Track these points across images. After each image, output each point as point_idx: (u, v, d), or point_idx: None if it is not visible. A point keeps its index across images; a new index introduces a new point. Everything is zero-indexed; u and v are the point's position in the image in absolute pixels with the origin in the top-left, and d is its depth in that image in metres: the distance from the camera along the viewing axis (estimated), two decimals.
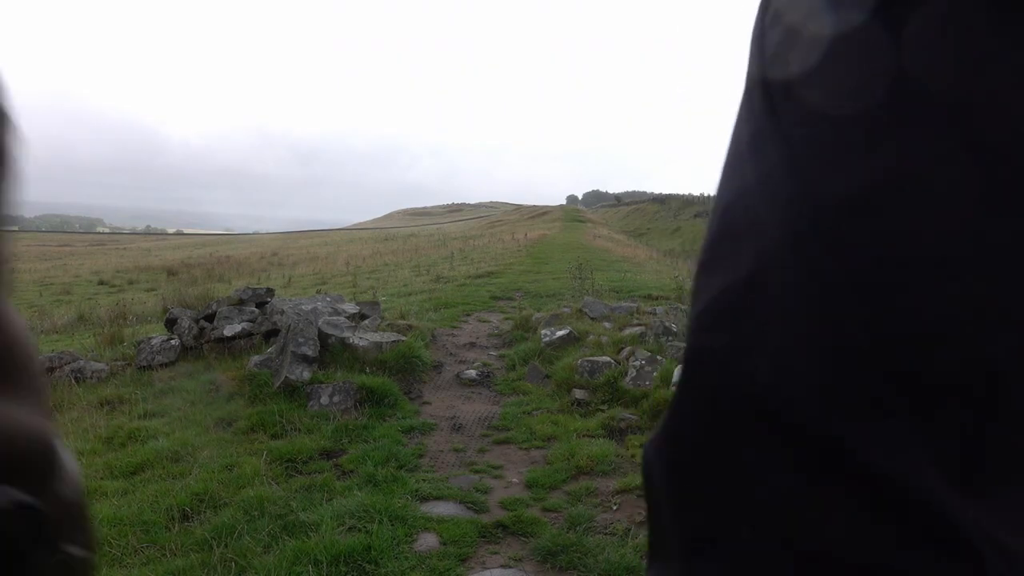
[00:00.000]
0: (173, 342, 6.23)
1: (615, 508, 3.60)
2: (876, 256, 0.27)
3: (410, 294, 11.30)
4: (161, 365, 6.03)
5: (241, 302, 6.83)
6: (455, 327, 8.12)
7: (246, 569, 2.88)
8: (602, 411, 5.08)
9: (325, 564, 2.84)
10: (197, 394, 5.33)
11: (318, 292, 11.77)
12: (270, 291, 7.06)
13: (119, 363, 6.20)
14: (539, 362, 6.26)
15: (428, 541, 3.20)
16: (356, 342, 5.88)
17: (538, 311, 8.38)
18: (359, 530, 3.17)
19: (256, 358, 5.64)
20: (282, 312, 6.52)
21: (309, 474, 3.94)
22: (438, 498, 3.70)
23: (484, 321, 8.58)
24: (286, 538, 3.12)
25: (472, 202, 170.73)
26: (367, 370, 5.55)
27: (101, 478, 3.97)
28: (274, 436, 4.50)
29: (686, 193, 73.19)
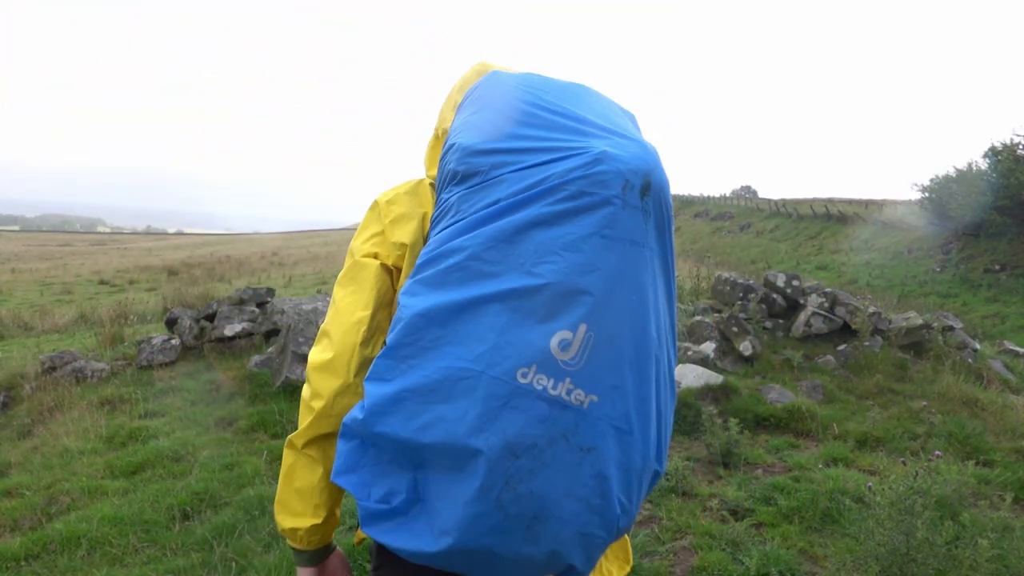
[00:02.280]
0: (174, 342, 6.23)
1: None
2: None
3: None
4: (162, 365, 6.04)
5: (241, 302, 6.83)
6: None
7: (247, 568, 2.89)
8: None
9: None
10: (198, 394, 5.33)
11: (318, 292, 11.77)
12: (270, 291, 7.06)
13: (120, 363, 6.20)
14: None
15: None
16: None
17: None
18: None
19: (256, 358, 5.64)
20: (282, 312, 6.52)
21: None
22: None
23: None
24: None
25: None
26: None
27: (102, 477, 3.97)
28: (275, 436, 4.51)
29: (686, 193, 73.11)
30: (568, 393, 0.87)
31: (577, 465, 0.86)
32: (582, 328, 0.87)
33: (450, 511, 0.86)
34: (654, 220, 0.94)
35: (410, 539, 0.88)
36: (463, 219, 0.95)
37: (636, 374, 0.91)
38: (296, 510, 1.02)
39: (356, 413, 0.92)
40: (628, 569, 1.14)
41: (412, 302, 0.93)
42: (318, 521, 1.03)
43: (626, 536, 1.13)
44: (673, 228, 0.98)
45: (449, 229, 0.96)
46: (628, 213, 0.90)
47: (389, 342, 0.94)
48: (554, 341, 0.86)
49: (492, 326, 0.88)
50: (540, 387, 0.86)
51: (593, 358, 0.87)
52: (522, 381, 0.85)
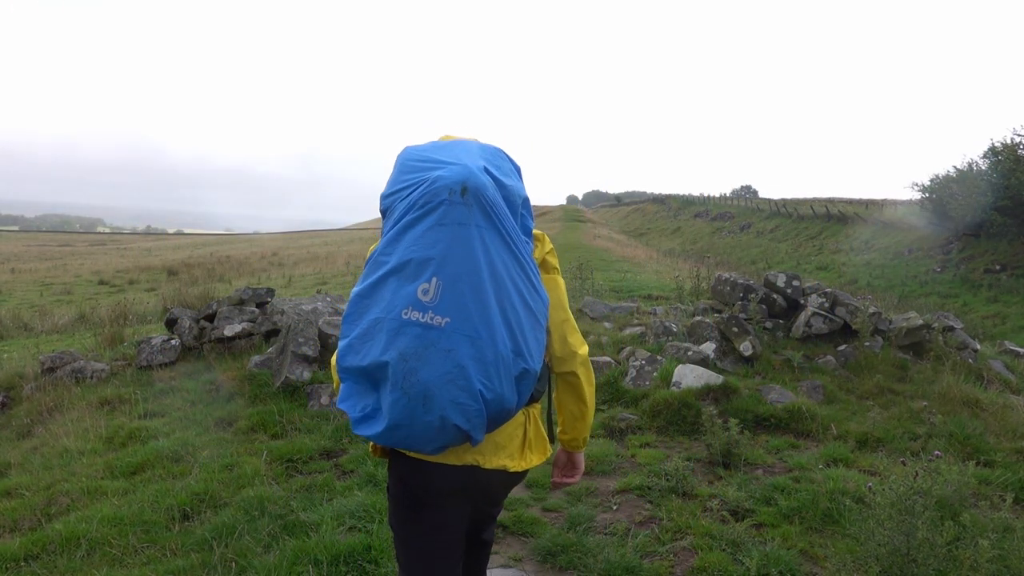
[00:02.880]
0: (173, 342, 6.23)
1: (615, 508, 3.60)
2: None
3: None
4: (161, 365, 6.03)
5: (241, 302, 6.82)
6: None
7: (246, 569, 2.88)
8: (602, 411, 5.08)
9: (325, 564, 2.84)
10: (197, 394, 5.33)
11: (318, 292, 11.77)
12: (270, 291, 7.05)
13: (119, 363, 6.20)
14: None
15: None
16: None
17: None
18: (359, 530, 3.17)
19: (256, 358, 5.63)
20: (282, 312, 6.51)
21: (309, 474, 3.94)
22: None
23: None
24: (286, 538, 3.12)
25: None
26: None
27: (101, 478, 3.97)
28: (274, 436, 4.50)
29: (686, 193, 73.05)
30: (431, 319, 1.49)
31: (443, 361, 1.48)
32: (434, 280, 1.50)
33: (384, 404, 1.51)
34: (477, 208, 1.55)
35: (372, 429, 1.54)
36: (385, 235, 1.61)
37: (476, 301, 1.51)
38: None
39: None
40: (546, 457, 1.82)
41: (354, 289, 1.61)
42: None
43: (546, 434, 1.84)
44: (503, 209, 1.59)
45: (383, 242, 1.62)
46: (454, 208, 1.53)
47: (344, 313, 1.59)
48: (419, 290, 1.50)
49: (389, 290, 1.54)
50: (415, 319, 1.49)
51: (444, 296, 1.50)
52: (405, 317, 1.49)
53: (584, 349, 1.80)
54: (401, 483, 1.70)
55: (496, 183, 1.61)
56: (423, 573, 1.72)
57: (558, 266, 1.83)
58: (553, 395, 1.89)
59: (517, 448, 1.75)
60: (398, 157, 1.74)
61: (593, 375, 1.84)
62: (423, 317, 1.49)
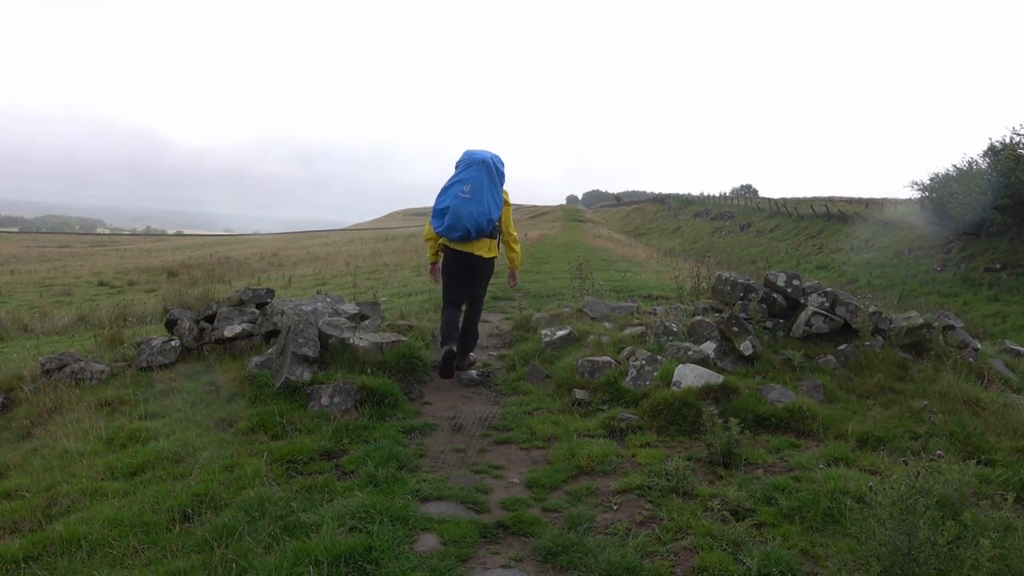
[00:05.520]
0: (173, 343, 6.23)
1: (616, 508, 3.59)
2: None
3: (410, 294, 11.28)
4: (161, 366, 6.03)
5: (241, 303, 6.82)
6: None
7: (247, 570, 2.88)
8: (602, 411, 5.07)
9: (326, 565, 2.84)
10: (197, 395, 5.32)
11: (318, 292, 11.75)
12: (270, 292, 7.04)
13: (119, 364, 6.20)
14: (539, 362, 6.25)
15: (429, 541, 3.19)
16: (356, 343, 5.87)
17: (538, 311, 8.38)
18: (360, 530, 3.17)
19: (256, 359, 5.63)
20: (282, 313, 6.51)
21: (310, 475, 3.94)
22: (439, 498, 3.70)
23: (484, 321, 8.54)
24: (287, 539, 3.12)
25: None
26: (368, 371, 5.54)
27: (102, 479, 3.96)
28: (275, 437, 4.49)
29: (686, 193, 73.08)
30: (467, 196, 5.80)
31: (468, 208, 5.79)
32: (468, 185, 5.81)
33: (445, 221, 5.89)
34: (485, 169, 5.88)
35: (439, 229, 5.97)
36: (454, 175, 6.01)
37: (479, 194, 5.82)
38: (430, 252, 6.46)
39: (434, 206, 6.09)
40: (495, 255, 6.22)
41: (443, 185, 6.03)
42: (433, 252, 6.43)
43: (496, 249, 6.23)
44: (494, 168, 5.95)
45: (453, 176, 6.03)
46: (479, 166, 5.89)
47: (439, 195, 6.03)
48: (463, 188, 5.81)
49: (455, 187, 5.88)
50: (461, 196, 5.81)
51: (472, 191, 5.80)
52: (459, 196, 5.82)
53: (514, 232, 6.35)
54: (446, 256, 6.09)
55: (494, 164, 5.93)
56: (446, 287, 6.19)
57: (510, 202, 6.23)
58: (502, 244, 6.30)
59: (486, 249, 5.98)
60: (464, 153, 6.05)
61: (518, 244, 6.49)
62: (464, 196, 5.75)
